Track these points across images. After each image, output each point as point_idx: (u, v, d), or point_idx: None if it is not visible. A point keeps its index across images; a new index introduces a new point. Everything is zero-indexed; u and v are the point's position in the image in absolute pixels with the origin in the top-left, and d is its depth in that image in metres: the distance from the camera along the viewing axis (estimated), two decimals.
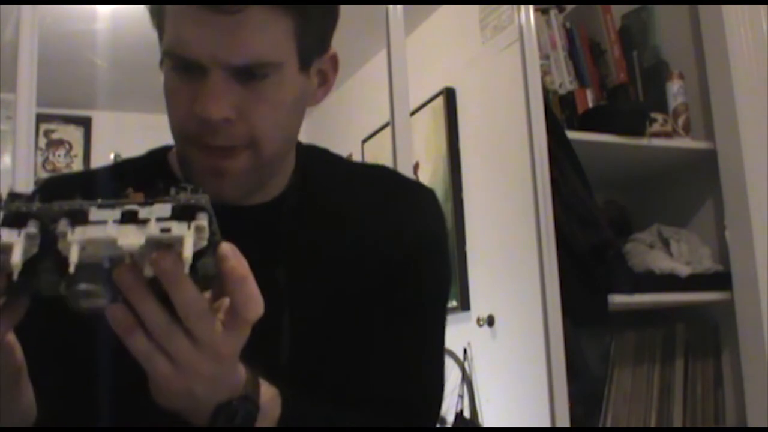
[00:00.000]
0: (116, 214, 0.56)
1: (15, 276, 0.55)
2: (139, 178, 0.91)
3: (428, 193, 0.98)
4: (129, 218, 0.56)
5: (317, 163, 0.95)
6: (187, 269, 0.55)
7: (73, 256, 0.55)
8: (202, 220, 0.56)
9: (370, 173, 0.99)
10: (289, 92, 0.81)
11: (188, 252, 0.55)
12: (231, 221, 0.87)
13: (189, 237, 0.55)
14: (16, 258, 0.54)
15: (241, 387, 0.67)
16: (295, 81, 0.82)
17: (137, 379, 0.64)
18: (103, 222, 0.55)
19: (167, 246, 0.56)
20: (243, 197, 0.85)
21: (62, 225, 0.56)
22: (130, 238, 0.55)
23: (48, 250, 0.56)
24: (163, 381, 0.62)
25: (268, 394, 0.71)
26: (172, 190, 0.57)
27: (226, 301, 0.62)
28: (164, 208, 0.56)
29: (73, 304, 0.58)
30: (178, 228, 0.55)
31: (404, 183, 0.99)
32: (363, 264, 0.89)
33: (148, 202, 0.56)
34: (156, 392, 0.64)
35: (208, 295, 0.63)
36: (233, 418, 0.66)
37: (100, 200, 0.56)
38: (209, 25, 0.75)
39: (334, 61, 0.89)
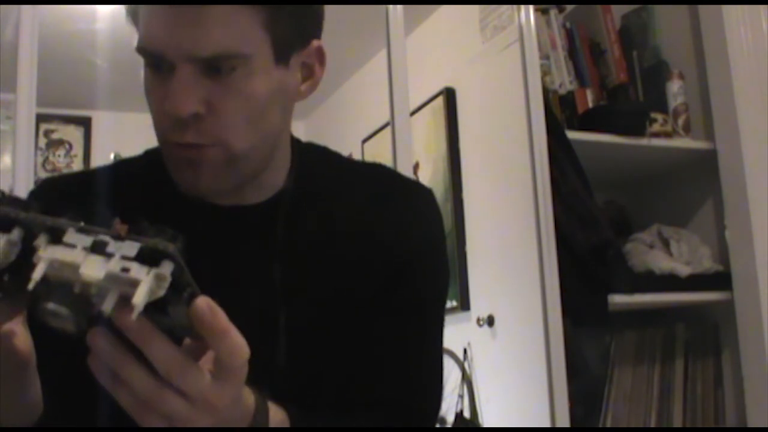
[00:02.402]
0: (89, 241, 0.55)
1: None
2: (135, 178, 0.92)
3: (426, 192, 0.97)
4: (97, 248, 0.55)
5: (315, 161, 0.94)
6: (134, 315, 0.54)
7: (37, 273, 0.54)
8: (165, 268, 0.54)
9: (368, 172, 0.98)
10: (262, 85, 0.79)
11: (138, 298, 0.53)
12: (227, 221, 0.87)
13: (144, 283, 0.53)
14: None
15: (249, 417, 0.65)
16: (270, 74, 0.80)
17: None
18: (74, 246, 0.55)
19: (127, 300, 0.54)
20: (221, 190, 0.84)
21: (40, 239, 0.56)
22: (91, 269, 0.54)
23: (24, 261, 0.56)
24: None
25: (277, 417, 0.70)
26: (153, 229, 0.55)
27: (210, 353, 0.60)
28: (132, 247, 0.54)
29: (42, 319, 0.57)
30: (137, 271, 0.54)
31: (402, 182, 0.99)
32: (360, 264, 0.88)
33: (120, 237, 0.55)
34: None
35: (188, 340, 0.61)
36: None
37: (82, 223, 0.56)
38: (173, 17, 0.75)
39: (320, 53, 0.86)
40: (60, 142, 3.07)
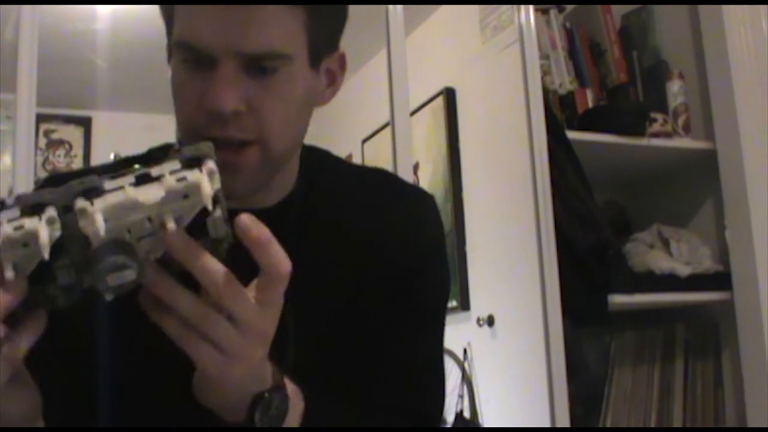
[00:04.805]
0: (130, 179, 0.58)
1: (46, 255, 0.55)
2: None
3: (429, 199, 0.98)
4: (144, 179, 0.58)
5: (319, 166, 0.94)
6: (210, 205, 0.57)
7: (99, 223, 0.55)
8: (211, 164, 0.58)
9: (371, 178, 0.98)
10: (299, 88, 0.80)
11: (207, 189, 0.57)
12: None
13: (204, 179, 0.57)
14: (44, 238, 0.55)
15: (270, 378, 0.68)
16: (305, 77, 0.81)
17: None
18: (120, 188, 0.57)
19: (172, 228, 0.57)
20: (252, 193, 0.83)
21: (80, 203, 0.57)
22: (151, 194, 0.57)
23: (71, 232, 0.57)
24: (215, 372, 0.62)
25: (290, 386, 0.72)
26: (172, 151, 0.59)
27: (252, 285, 0.63)
28: (174, 163, 0.58)
29: (100, 286, 0.58)
30: (191, 175, 0.57)
31: (404, 188, 0.99)
32: (364, 270, 0.88)
33: (157, 161, 0.59)
34: (199, 388, 0.65)
35: None
36: (269, 408, 0.68)
37: (112, 173, 0.58)
38: (222, 13, 0.74)
39: (342, 61, 0.88)
40: (60, 142, 3.07)
